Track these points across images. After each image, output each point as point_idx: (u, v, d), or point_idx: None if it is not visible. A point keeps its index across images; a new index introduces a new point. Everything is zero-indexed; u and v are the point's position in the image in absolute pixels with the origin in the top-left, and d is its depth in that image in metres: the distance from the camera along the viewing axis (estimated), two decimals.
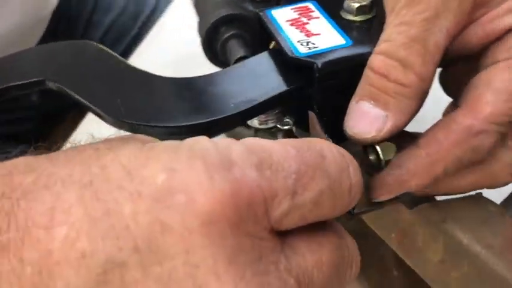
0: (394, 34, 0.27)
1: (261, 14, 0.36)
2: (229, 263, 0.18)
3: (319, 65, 0.29)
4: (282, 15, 0.35)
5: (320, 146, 0.22)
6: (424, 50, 0.26)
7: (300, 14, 0.35)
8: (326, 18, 0.34)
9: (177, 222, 0.18)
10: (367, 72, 0.28)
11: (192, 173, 0.19)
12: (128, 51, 0.81)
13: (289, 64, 0.31)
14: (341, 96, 0.31)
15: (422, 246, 0.30)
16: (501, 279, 0.26)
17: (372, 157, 0.29)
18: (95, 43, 0.36)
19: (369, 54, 0.30)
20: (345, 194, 0.21)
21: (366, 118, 0.28)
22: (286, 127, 0.33)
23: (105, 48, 0.35)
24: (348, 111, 0.29)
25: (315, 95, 0.31)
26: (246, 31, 0.40)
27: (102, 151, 0.21)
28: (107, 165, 0.20)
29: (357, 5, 0.33)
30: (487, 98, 0.26)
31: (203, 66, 0.41)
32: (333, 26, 0.33)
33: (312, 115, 0.30)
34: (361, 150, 0.30)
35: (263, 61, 0.33)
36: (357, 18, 0.33)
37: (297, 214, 0.20)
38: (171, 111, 0.29)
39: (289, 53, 0.31)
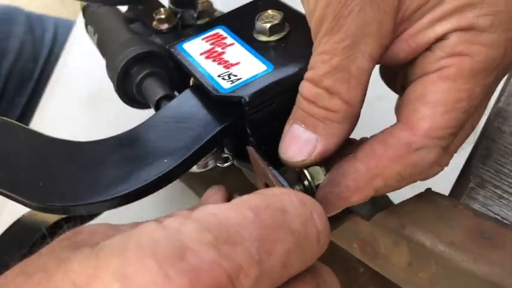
0: (318, 63, 0.26)
1: (171, 50, 0.34)
2: None
3: (247, 99, 0.28)
4: (194, 48, 0.33)
5: (279, 199, 0.21)
6: (348, 76, 0.26)
7: (213, 43, 0.33)
8: (240, 43, 0.32)
9: None
10: (298, 97, 0.28)
11: (145, 274, 0.17)
12: (35, 95, 0.76)
13: (215, 101, 0.30)
14: (275, 122, 0.30)
15: (386, 253, 0.30)
16: (468, 272, 0.27)
17: (305, 182, 0.29)
18: None
19: (293, 76, 0.29)
20: (314, 245, 0.20)
21: (297, 142, 0.28)
22: (226, 164, 0.32)
23: (9, 120, 0.32)
24: (283, 134, 0.29)
25: (249, 128, 0.29)
26: (160, 67, 0.38)
27: (51, 270, 0.19)
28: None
29: (268, 25, 0.31)
30: (423, 113, 0.26)
31: (117, 99, 0.39)
32: (249, 51, 0.31)
33: (250, 150, 0.29)
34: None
35: (187, 102, 0.31)
36: (272, 38, 0.32)
37: (267, 280, 0.19)
38: (101, 183, 0.27)
39: (214, 92, 0.29)
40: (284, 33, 0.32)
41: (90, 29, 0.45)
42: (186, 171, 0.28)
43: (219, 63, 0.31)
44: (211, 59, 0.32)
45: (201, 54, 0.32)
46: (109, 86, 0.40)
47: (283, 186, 0.27)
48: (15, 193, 0.27)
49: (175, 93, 0.38)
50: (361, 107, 0.28)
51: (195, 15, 0.42)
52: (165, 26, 0.39)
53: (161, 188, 0.28)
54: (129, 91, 0.39)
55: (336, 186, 0.27)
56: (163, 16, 0.39)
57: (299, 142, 0.27)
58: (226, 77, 0.30)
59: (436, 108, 0.25)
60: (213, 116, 0.30)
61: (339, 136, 0.27)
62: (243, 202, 0.20)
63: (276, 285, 0.20)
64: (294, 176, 0.30)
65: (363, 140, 0.29)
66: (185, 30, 0.39)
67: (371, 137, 0.28)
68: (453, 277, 0.27)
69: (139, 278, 0.17)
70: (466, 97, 0.25)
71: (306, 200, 0.21)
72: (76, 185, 0.27)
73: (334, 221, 0.30)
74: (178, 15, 0.42)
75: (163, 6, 0.41)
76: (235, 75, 0.30)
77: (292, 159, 0.28)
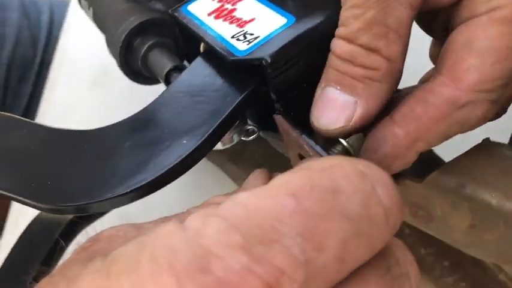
0: (349, 18, 0.23)
1: (175, 14, 0.30)
2: None
3: (268, 59, 0.24)
4: (201, 9, 0.29)
5: (329, 175, 0.16)
6: (386, 30, 0.22)
7: (220, 0, 0.29)
8: None
9: None
10: (331, 56, 0.24)
11: None
12: (39, 82, 0.73)
13: (231, 67, 0.26)
14: (303, 83, 0.26)
15: (443, 216, 0.27)
16: None
17: (337, 151, 0.25)
18: None
19: (320, 26, 0.25)
20: (381, 227, 0.16)
21: (333, 106, 0.24)
22: (251, 137, 0.28)
23: (7, 115, 0.29)
24: (314, 99, 0.25)
25: (274, 93, 0.26)
26: (166, 36, 0.34)
27: None
28: None
29: None
30: (470, 63, 0.22)
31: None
32: (264, 3, 0.27)
33: (278, 119, 0.26)
34: None
35: (200, 72, 0.27)
36: None
37: (321, 281, 0.16)
38: (115, 175, 0.24)
39: (229, 56, 0.25)
40: None
41: (84, 3, 0.41)
42: (209, 151, 0.25)
43: (231, 23, 0.27)
44: (221, 19, 0.28)
45: (209, 14, 0.28)
46: (115, 63, 0.37)
47: (321, 156, 0.24)
48: (23, 196, 0.24)
49: (185, 63, 0.35)
50: (403, 63, 0.24)
51: None
52: None
53: (183, 173, 0.24)
54: (134, 66, 0.35)
55: (373, 154, 0.24)
56: None
57: (335, 107, 0.24)
58: (241, 37, 0.26)
59: (485, 57, 0.21)
60: (231, 84, 0.26)
61: (381, 97, 0.24)
62: (281, 185, 0.16)
63: (335, 283, 0.16)
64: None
65: (398, 95, 0.25)
66: None
67: (407, 92, 0.24)
68: None
69: None
70: None
71: (366, 170, 0.17)
72: (88, 181, 0.24)
73: None
74: None
75: None
76: (251, 34, 0.26)
77: (328, 127, 0.24)
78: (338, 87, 0.24)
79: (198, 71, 0.27)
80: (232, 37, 0.26)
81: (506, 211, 0.24)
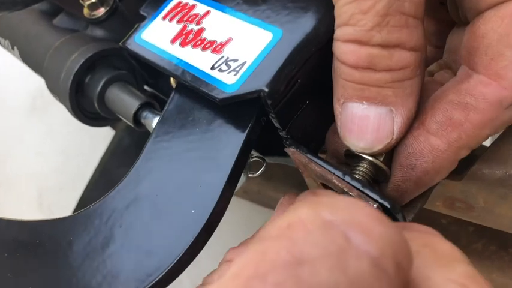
0: (356, 15, 0.18)
1: (128, 47, 0.25)
2: None
3: (266, 90, 0.20)
4: (158, 35, 0.24)
5: (287, 240, 0.12)
6: (405, 18, 0.18)
7: (180, 19, 0.24)
8: (217, 7, 0.23)
9: None
10: (340, 68, 0.20)
11: None
12: None
13: (223, 104, 0.21)
14: (306, 100, 0.22)
15: (488, 206, 0.24)
16: None
17: (364, 169, 0.21)
18: None
19: (313, 35, 0.21)
20: (374, 284, 0.12)
21: (367, 125, 0.20)
22: (259, 172, 0.24)
23: None
24: (338, 120, 0.21)
25: (277, 122, 0.22)
26: (120, 67, 0.29)
27: None
28: None
29: None
30: (509, 55, 0.18)
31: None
32: (236, 16, 0.23)
33: (293, 153, 0.22)
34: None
35: (184, 116, 0.23)
36: None
37: None
38: (117, 278, 0.20)
39: (218, 95, 0.21)
40: None
41: (4, 43, 0.34)
42: (224, 211, 0.21)
43: (204, 48, 0.22)
44: (190, 45, 0.23)
45: (173, 41, 0.23)
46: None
47: (351, 185, 0.20)
48: None
49: (146, 87, 0.30)
50: (427, 45, 0.20)
51: None
52: (101, 11, 0.29)
53: (206, 242, 0.21)
54: (88, 108, 0.30)
55: (410, 171, 0.20)
56: (94, 0, 0.29)
57: (370, 125, 0.20)
58: (224, 67, 0.21)
59: None
60: (227, 127, 0.22)
61: (417, 93, 0.20)
62: (234, 276, 0.12)
63: None
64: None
65: None
66: (130, 8, 0.29)
67: (434, 97, 0.21)
68: None
69: None
70: None
71: (333, 216, 0.12)
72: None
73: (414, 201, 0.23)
74: None
75: None
76: (235, 60, 0.21)
77: (372, 150, 0.20)
78: (364, 102, 0.20)
79: (181, 115, 0.23)
80: (213, 68, 0.22)
81: None
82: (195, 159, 0.22)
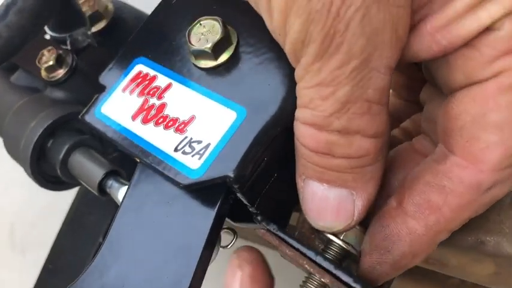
0: (316, 100, 0.18)
1: (87, 120, 0.24)
2: None
3: (232, 175, 0.19)
4: (119, 110, 0.23)
5: None
6: (367, 105, 0.18)
7: (141, 92, 0.23)
8: (179, 80, 0.22)
9: None
10: (300, 149, 0.19)
11: None
12: None
13: (187, 190, 0.21)
14: (272, 175, 0.22)
15: (461, 266, 0.24)
16: None
17: (334, 247, 0.21)
18: None
19: (278, 115, 0.20)
20: None
21: (326, 206, 0.20)
22: (230, 244, 0.24)
23: None
24: (300, 196, 0.21)
25: (246, 201, 0.21)
26: (83, 132, 0.28)
27: None
28: None
29: (209, 44, 0.21)
30: (488, 140, 0.18)
31: None
32: (198, 91, 0.22)
33: (266, 236, 0.21)
34: None
35: (150, 198, 0.22)
36: (220, 60, 0.22)
37: None
38: None
39: (182, 181, 0.20)
40: (234, 45, 0.22)
41: None
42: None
43: (166, 127, 0.22)
44: (151, 123, 0.22)
45: (134, 117, 0.22)
46: None
47: (325, 270, 0.20)
48: None
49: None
50: (390, 130, 0.20)
51: (88, 31, 0.31)
52: (60, 73, 0.28)
53: None
54: (49, 172, 0.29)
55: (387, 254, 0.20)
56: (51, 62, 0.28)
57: (330, 205, 0.20)
58: (188, 149, 0.21)
59: (505, 131, 0.18)
60: (195, 205, 0.21)
61: (378, 177, 0.20)
62: None
63: None
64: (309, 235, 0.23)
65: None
66: (93, 68, 0.28)
67: (411, 176, 0.20)
68: None
69: None
70: None
71: None
72: None
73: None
74: (68, 42, 0.30)
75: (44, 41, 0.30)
76: (199, 142, 0.21)
77: (332, 229, 0.20)
78: (324, 184, 0.19)
79: (147, 193, 0.22)
80: (176, 150, 0.21)
81: None
82: (163, 244, 0.21)
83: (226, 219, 0.24)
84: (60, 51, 0.28)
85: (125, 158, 0.27)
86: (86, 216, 0.38)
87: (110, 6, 0.34)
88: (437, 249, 0.23)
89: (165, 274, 0.20)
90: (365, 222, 0.21)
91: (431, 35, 0.17)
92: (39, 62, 0.28)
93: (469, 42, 0.17)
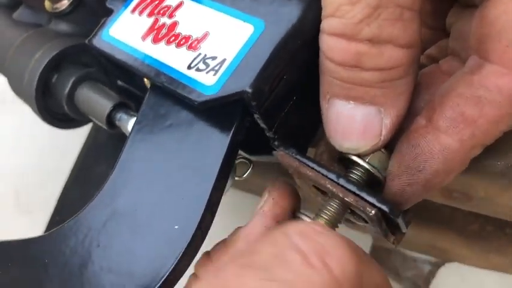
0: (344, 6, 0.17)
1: (95, 45, 0.22)
2: None
3: (249, 91, 0.18)
4: (128, 31, 0.22)
5: None
6: (400, 10, 0.17)
7: (151, 13, 0.22)
8: None
9: None
10: (326, 64, 0.18)
11: None
12: None
13: (202, 108, 0.20)
14: (292, 98, 0.20)
15: (488, 196, 0.23)
16: None
17: (357, 171, 0.20)
18: None
19: (298, 26, 0.19)
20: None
21: (353, 126, 0.19)
22: (246, 174, 0.23)
23: None
24: (324, 118, 0.20)
25: (263, 123, 0.20)
26: (89, 64, 0.27)
27: None
28: None
29: None
30: None
31: None
32: (211, 6, 0.21)
33: (282, 156, 0.20)
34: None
35: (162, 120, 0.21)
36: None
37: None
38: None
39: (197, 98, 0.19)
40: None
41: None
42: (211, 223, 0.19)
43: (178, 45, 0.20)
44: (163, 41, 0.21)
45: (144, 37, 0.21)
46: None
47: (346, 190, 0.19)
48: None
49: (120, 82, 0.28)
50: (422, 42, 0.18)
51: None
52: (64, 3, 0.27)
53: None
54: (56, 109, 0.28)
55: (418, 174, 0.19)
56: None
57: (356, 124, 0.19)
58: (202, 66, 0.19)
59: None
60: (209, 129, 0.20)
61: (408, 93, 0.19)
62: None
63: None
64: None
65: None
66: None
67: (441, 90, 0.19)
68: None
69: None
70: None
71: (285, 227, 0.17)
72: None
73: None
74: None
75: None
76: (213, 58, 0.19)
77: (358, 150, 0.19)
78: (351, 101, 0.18)
79: (157, 119, 0.21)
80: (190, 67, 0.20)
81: None
82: (176, 169, 0.20)
83: (242, 152, 0.23)
84: None
85: (131, 95, 0.26)
86: (93, 168, 0.37)
87: None
88: (464, 179, 0.22)
89: (179, 197, 0.19)
90: (391, 145, 0.20)
91: None
92: None
93: None
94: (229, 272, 0.16)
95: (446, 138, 0.18)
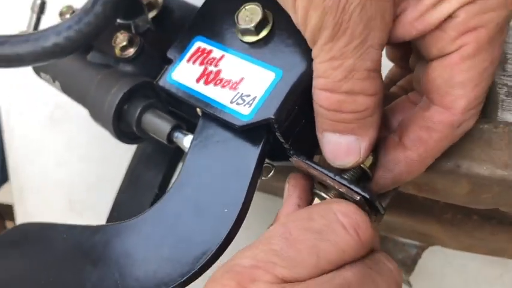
0: (328, 70, 0.25)
1: (163, 86, 0.32)
2: None
3: (273, 117, 0.27)
4: (185, 75, 0.31)
5: (307, 212, 0.27)
6: (367, 73, 0.25)
7: (201, 62, 0.31)
8: (230, 52, 0.30)
9: None
10: (318, 108, 0.27)
11: None
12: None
13: (241, 130, 0.29)
14: (302, 120, 0.29)
15: (445, 188, 0.32)
16: None
17: (352, 172, 0.29)
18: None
19: (305, 75, 0.28)
20: (343, 235, 0.25)
21: (339, 149, 0.28)
22: (270, 174, 0.32)
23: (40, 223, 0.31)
24: (320, 144, 0.29)
25: (282, 138, 0.29)
26: (151, 96, 0.36)
27: None
28: None
29: (253, 24, 0.29)
30: (456, 94, 0.26)
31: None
32: (245, 59, 0.30)
33: (296, 162, 0.29)
34: None
35: (211, 139, 0.30)
36: (261, 36, 0.29)
37: (304, 270, 0.24)
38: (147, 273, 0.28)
39: (238, 123, 0.28)
40: (270, 24, 0.30)
41: (45, 76, 0.41)
42: (248, 210, 0.28)
43: (223, 86, 0.29)
44: (211, 84, 0.30)
45: (198, 80, 0.30)
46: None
47: (339, 182, 0.28)
48: None
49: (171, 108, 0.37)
50: (384, 89, 0.27)
51: (148, 17, 0.39)
52: (131, 52, 0.36)
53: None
54: (126, 130, 0.37)
55: (390, 172, 0.28)
56: (125, 42, 0.35)
57: (342, 148, 0.27)
58: (240, 101, 0.29)
59: (467, 87, 0.25)
60: (245, 145, 0.29)
61: (377, 124, 0.27)
62: (282, 219, 0.28)
63: (315, 271, 0.24)
64: None
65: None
66: (154, 48, 0.36)
67: (398, 112, 0.29)
68: None
69: None
70: (490, 63, 0.25)
71: (333, 205, 0.26)
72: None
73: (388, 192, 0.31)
74: (132, 27, 0.38)
75: (114, 27, 0.37)
76: (248, 95, 0.28)
77: (345, 165, 0.28)
78: (336, 133, 0.27)
79: (208, 137, 0.30)
80: (232, 102, 0.29)
81: (497, 177, 0.29)
82: (223, 171, 0.29)
83: (267, 160, 0.32)
84: (131, 34, 0.36)
85: (179, 116, 0.35)
86: (143, 173, 0.46)
87: None
88: (427, 176, 0.31)
89: (227, 190, 0.28)
90: (375, 153, 0.29)
91: (410, 23, 0.25)
92: (114, 43, 0.36)
93: (438, 27, 0.25)
94: (292, 228, 0.25)
95: (410, 153, 0.27)
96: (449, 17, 0.24)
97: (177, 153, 0.44)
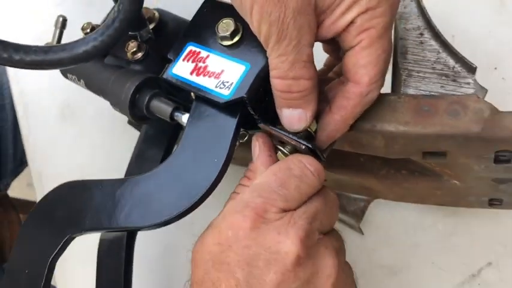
0: (279, 64, 0.38)
1: (167, 78, 0.44)
2: None
3: (245, 96, 0.40)
4: (182, 70, 0.44)
5: (287, 163, 0.40)
6: (304, 63, 0.38)
7: (193, 60, 0.44)
8: (213, 52, 0.43)
9: None
10: (275, 91, 0.40)
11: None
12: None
13: (222, 105, 0.41)
14: (266, 97, 0.42)
15: (368, 143, 0.45)
16: (420, 135, 0.42)
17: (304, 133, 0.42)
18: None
19: (265, 67, 0.40)
20: (311, 178, 0.39)
21: (293, 119, 0.41)
22: (246, 138, 0.44)
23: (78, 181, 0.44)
24: (279, 118, 0.41)
25: (252, 111, 0.42)
26: (156, 87, 0.48)
27: None
28: None
29: (229, 32, 0.42)
30: (361, 72, 0.38)
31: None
32: (224, 57, 0.42)
33: (262, 126, 0.42)
34: None
35: (202, 113, 0.43)
36: (234, 41, 0.42)
37: (293, 202, 0.38)
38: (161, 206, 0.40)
39: (220, 100, 0.41)
40: (241, 33, 0.42)
41: (71, 77, 0.53)
42: (230, 161, 0.41)
43: (209, 77, 0.42)
44: (201, 75, 0.43)
45: (191, 73, 0.43)
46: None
47: (295, 140, 0.41)
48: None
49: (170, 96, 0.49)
50: (317, 75, 0.40)
51: (150, 28, 0.52)
52: (140, 55, 0.48)
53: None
54: (139, 114, 0.49)
55: (324, 131, 0.41)
56: (135, 48, 0.48)
57: (294, 118, 0.40)
58: (222, 86, 0.41)
59: (367, 67, 0.38)
60: (226, 118, 0.42)
61: (315, 99, 0.40)
62: (270, 170, 0.40)
63: (300, 202, 0.37)
64: None
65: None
66: (155, 51, 0.49)
67: (332, 90, 0.42)
68: (413, 140, 0.43)
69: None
70: (382, 51, 0.38)
71: (301, 159, 0.40)
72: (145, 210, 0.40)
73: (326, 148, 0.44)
74: (138, 37, 0.51)
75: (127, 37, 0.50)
76: (227, 82, 0.41)
77: (298, 130, 0.41)
78: (290, 108, 0.40)
79: (200, 114, 0.43)
80: (216, 87, 0.41)
81: (400, 132, 0.42)
82: (212, 135, 0.41)
83: (242, 128, 0.44)
84: (139, 42, 0.48)
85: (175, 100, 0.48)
86: (146, 152, 0.59)
87: (156, 13, 0.54)
88: (354, 134, 0.44)
89: (216, 146, 0.41)
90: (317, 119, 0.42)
91: (328, 27, 0.38)
92: (126, 49, 0.48)
93: (345, 29, 0.38)
94: (280, 175, 0.38)
95: (335, 116, 0.40)
96: (351, 22, 0.37)
97: (175, 134, 0.56)
